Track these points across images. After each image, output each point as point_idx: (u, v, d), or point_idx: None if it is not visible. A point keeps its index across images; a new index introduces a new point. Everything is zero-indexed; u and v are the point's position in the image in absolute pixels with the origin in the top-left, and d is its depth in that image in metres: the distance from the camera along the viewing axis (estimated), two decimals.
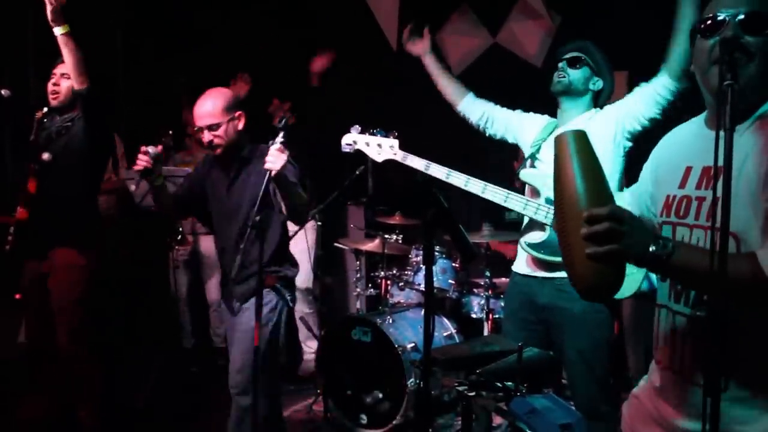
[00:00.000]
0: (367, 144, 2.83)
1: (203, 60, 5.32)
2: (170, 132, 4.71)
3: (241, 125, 2.84)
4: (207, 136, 2.77)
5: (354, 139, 2.85)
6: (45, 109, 3.33)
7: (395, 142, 2.80)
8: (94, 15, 4.60)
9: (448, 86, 3.04)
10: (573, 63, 2.65)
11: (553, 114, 2.81)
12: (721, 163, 1.17)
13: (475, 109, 2.95)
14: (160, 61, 5.15)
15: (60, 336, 3.29)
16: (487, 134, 2.98)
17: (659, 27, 3.97)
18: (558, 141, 1.43)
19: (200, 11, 5.34)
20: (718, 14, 1.38)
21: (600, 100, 2.71)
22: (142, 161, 2.74)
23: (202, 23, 5.36)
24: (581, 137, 1.42)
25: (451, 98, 3.02)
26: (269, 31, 5.44)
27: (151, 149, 2.76)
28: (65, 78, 3.30)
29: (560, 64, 2.67)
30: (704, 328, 1.37)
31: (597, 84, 2.68)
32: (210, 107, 2.77)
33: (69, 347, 3.29)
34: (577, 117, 2.67)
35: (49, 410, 3.45)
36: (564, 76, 2.64)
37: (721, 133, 1.19)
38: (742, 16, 1.36)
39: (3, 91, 3.34)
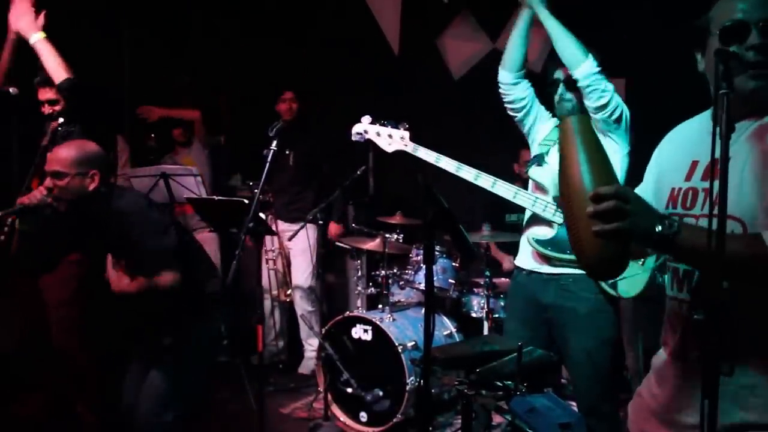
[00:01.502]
0: (378, 134, 2.82)
1: (206, 60, 5.36)
2: (153, 135, 4.75)
3: (92, 186, 2.56)
4: (48, 182, 2.58)
5: (365, 129, 2.84)
6: (60, 120, 3.34)
7: (406, 134, 2.79)
8: (100, 16, 4.63)
9: (514, 50, 2.79)
10: (572, 86, 2.61)
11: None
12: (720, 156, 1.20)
13: (522, 89, 2.81)
14: (164, 61, 5.19)
15: (53, 332, 3.30)
16: (513, 116, 2.87)
17: (657, 34, 4.04)
18: (562, 125, 1.47)
19: (204, 12, 5.37)
20: (738, 20, 1.38)
21: None
22: (37, 198, 2.61)
23: (206, 23, 5.39)
24: (584, 121, 1.46)
25: (506, 62, 2.80)
26: (270, 32, 5.48)
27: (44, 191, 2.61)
28: (53, 106, 3.32)
29: (560, 90, 2.64)
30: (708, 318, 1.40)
31: None
32: (61, 154, 2.57)
33: (62, 343, 3.30)
34: None
35: (48, 406, 3.47)
36: (569, 100, 2.63)
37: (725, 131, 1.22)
38: (762, 24, 1.36)
39: (11, 89, 3.38)
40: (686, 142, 1.58)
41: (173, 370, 2.68)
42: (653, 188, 1.63)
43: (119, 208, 2.59)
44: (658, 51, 3.99)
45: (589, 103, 2.52)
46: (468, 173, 2.68)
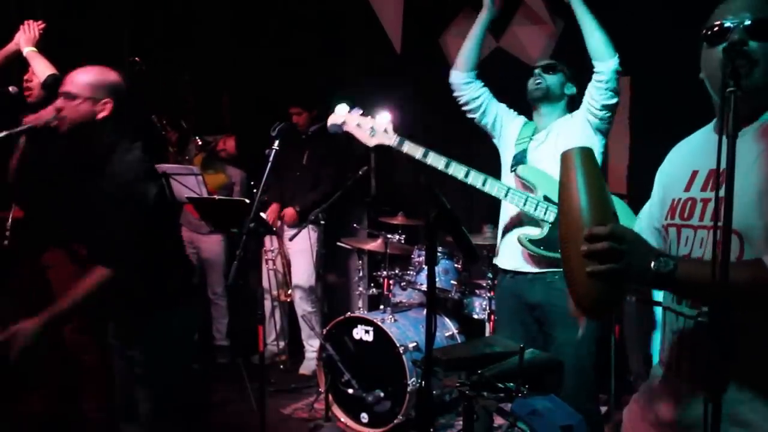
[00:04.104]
0: (359, 125, 2.61)
1: (208, 59, 5.35)
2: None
3: (101, 114, 2.35)
4: (59, 102, 2.39)
5: (343, 119, 2.61)
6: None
7: (389, 125, 2.61)
8: (102, 14, 4.63)
9: (470, 51, 2.82)
10: (548, 69, 2.72)
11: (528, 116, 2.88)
12: (724, 165, 1.17)
13: (475, 89, 2.85)
14: (166, 60, 5.18)
15: (64, 328, 3.31)
16: (471, 117, 2.90)
17: (661, 32, 4.02)
18: (564, 157, 1.44)
19: (207, 11, 5.36)
20: (724, 22, 1.40)
21: (573, 105, 2.77)
22: (44, 118, 2.41)
23: (209, 23, 5.38)
24: (587, 154, 1.43)
25: (460, 62, 2.84)
26: (271, 29, 5.47)
27: None
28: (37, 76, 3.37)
29: (536, 71, 2.73)
30: (706, 331, 1.38)
31: (571, 89, 2.76)
32: (78, 76, 2.39)
33: (72, 336, 3.31)
34: (556, 120, 2.74)
35: (52, 404, 3.47)
36: (541, 82, 2.72)
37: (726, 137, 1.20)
38: (748, 22, 1.37)
39: (11, 88, 3.39)
40: (687, 155, 1.58)
41: (144, 362, 2.48)
42: (659, 205, 1.61)
43: (120, 161, 2.36)
44: (664, 49, 3.97)
45: (599, 99, 2.60)
46: (458, 170, 2.60)
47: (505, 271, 2.78)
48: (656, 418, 1.52)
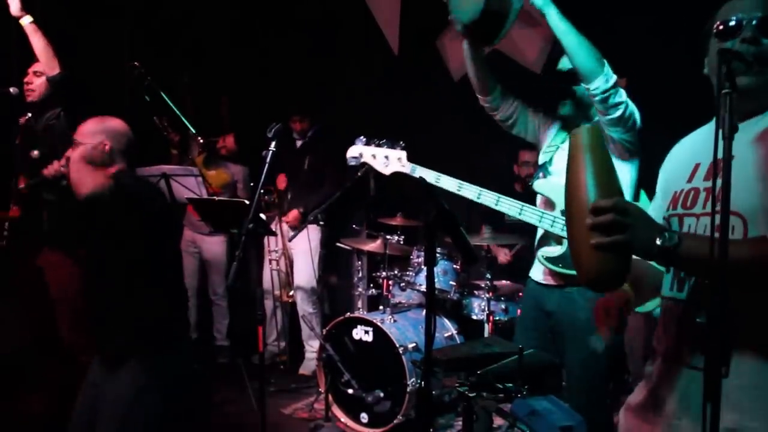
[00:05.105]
0: (374, 156, 2.80)
1: (207, 61, 5.36)
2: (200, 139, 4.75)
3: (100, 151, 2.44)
4: (68, 152, 2.49)
5: (360, 152, 2.81)
6: (29, 115, 3.39)
7: (403, 154, 2.76)
8: (102, 15, 4.64)
9: (476, 76, 2.75)
10: (563, 95, 2.61)
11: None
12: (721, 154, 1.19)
13: (506, 108, 2.78)
14: (165, 62, 5.19)
15: (61, 325, 3.32)
16: (505, 129, 2.84)
17: (657, 34, 4.04)
18: (573, 135, 1.45)
19: (204, 13, 5.37)
20: (734, 18, 1.41)
21: None
22: (54, 168, 2.48)
23: (206, 22, 5.39)
24: (595, 132, 1.44)
25: (477, 89, 2.79)
26: (269, 32, 5.48)
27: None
28: (37, 75, 3.39)
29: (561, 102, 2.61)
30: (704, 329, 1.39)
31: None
32: (81, 125, 2.51)
33: (70, 336, 3.32)
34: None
35: (53, 403, 3.48)
36: (565, 104, 2.63)
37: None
38: (755, 21, 1.39)
39: (11, 90, 3.41)
40: (690, 149, 1.60)
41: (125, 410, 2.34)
42: (662, 199, 1.63)
43: (124, 185, 2.39)
44: (660, 51, 4.00)
45: (603, 117, 2.44)
46: (470, 192, 2.62)
47: (532, 279, 2.79)
48: (655, 410, 1.53)
